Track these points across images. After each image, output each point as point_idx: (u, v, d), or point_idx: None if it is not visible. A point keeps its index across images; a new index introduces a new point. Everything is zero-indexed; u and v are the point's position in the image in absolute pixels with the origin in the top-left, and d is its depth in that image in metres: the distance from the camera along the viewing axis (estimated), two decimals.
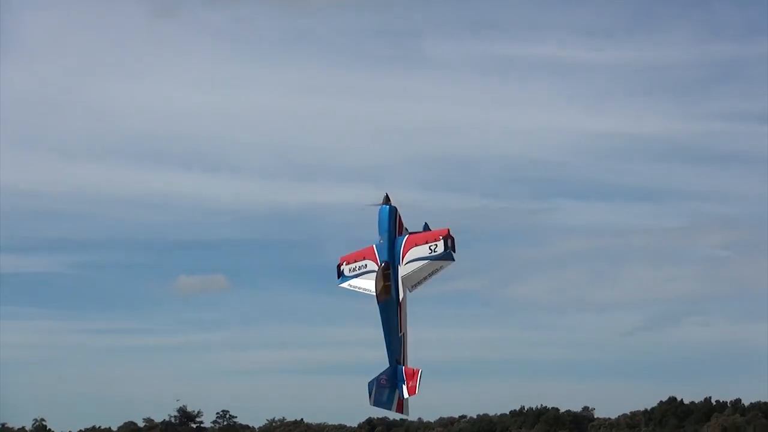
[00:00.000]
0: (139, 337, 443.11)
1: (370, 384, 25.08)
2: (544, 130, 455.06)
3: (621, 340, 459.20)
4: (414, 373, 24.18)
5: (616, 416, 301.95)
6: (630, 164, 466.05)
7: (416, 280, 27.18)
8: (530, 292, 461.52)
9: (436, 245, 25.71)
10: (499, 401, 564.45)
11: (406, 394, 24.13)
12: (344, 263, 25.50)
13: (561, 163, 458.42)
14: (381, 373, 24.06)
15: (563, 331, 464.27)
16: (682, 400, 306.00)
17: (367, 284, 26.40)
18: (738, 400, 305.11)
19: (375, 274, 25.84)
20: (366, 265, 25.72)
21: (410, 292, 30.80)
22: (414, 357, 49.87)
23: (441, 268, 27.02)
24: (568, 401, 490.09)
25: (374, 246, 25.67)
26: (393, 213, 27.54)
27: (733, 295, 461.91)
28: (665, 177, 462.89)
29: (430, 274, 26.91)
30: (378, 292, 25.19)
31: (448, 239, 25.64)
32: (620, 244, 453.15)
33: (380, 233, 26.56)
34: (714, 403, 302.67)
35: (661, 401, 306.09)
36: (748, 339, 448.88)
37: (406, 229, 31.73)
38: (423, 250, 25.58)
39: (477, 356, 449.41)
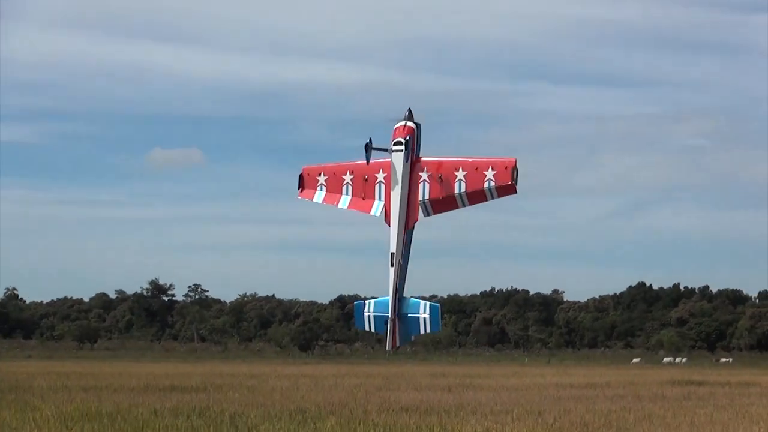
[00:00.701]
0: (112, 209, 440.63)
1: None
2: (525, 15, 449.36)
3: (593, 225, 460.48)
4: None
5: (585, 300, 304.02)
6: (609, 50, 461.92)
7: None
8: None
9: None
10: (469, 282, 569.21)
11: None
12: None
13: (541, 47, 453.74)
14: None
15: (536, 215, 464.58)
16: (651, 285, 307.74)
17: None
18: (706, 287, 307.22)
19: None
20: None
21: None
22: None
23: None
24: (538, 284, 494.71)
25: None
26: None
27: (707, 184, 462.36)
28: (644, 64, 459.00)
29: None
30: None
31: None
32: (597, 130, 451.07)
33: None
34: (683, 290, 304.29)
35: (630, 286, 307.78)
36: (719, 228, 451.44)
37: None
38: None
39: (449, 237, 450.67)
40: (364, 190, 25.01)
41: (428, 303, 24.99)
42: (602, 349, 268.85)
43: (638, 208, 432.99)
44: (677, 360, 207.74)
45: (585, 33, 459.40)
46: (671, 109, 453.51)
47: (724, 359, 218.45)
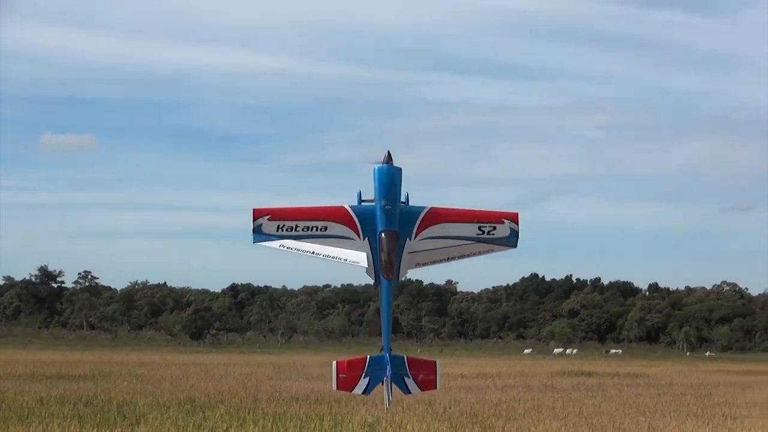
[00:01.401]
0: (1, 194, 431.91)
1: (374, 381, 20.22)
2: (429, 4, 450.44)
3: None
4: (427, 365, 19.88)
5: (479, 291, 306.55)
6: (511, 41, 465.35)
7: (429, 260, 21.34)
8: (403, 166, 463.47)
9: (495, 228, 19.77)
10: (362, 272, 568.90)
11: (414, 389, 19.64)
12: (266, 218, 18.02)
13: (444, 37, 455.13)
14: (379, 364, 19.25)
15: (432, 205, 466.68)
16: (543, 277, 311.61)
17: (333, 252, 19.64)
18: (598, 279, 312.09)
19: (347, 242, 19.51)
20: (326, 227, 18.99)
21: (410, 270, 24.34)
22: None
23: (489, 251, 21.31)
24: (432, 274, 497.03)
25: (348, 207, 19.20)
26: (400, 176, 21.02)
27: (601, 177, 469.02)
28: (544, 55, 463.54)
29: (466, 256, 20.87)
30: (384, 269, 19.74)
31: (515, 222, 19.96)
32: (495, 121, 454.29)
33: (386, 197, 20.05)
34: (575, 281, 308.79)
35: (523, 278, 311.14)
36: (611, 221, 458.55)
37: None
38: (468, 229, 19.64)
39: None
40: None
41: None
42: (494, 339, 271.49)
43: (533, 200, 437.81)
44: (568, 351, 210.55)
45: (488, 23, 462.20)
46: (569, 101, 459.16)
47: (614, 351, 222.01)
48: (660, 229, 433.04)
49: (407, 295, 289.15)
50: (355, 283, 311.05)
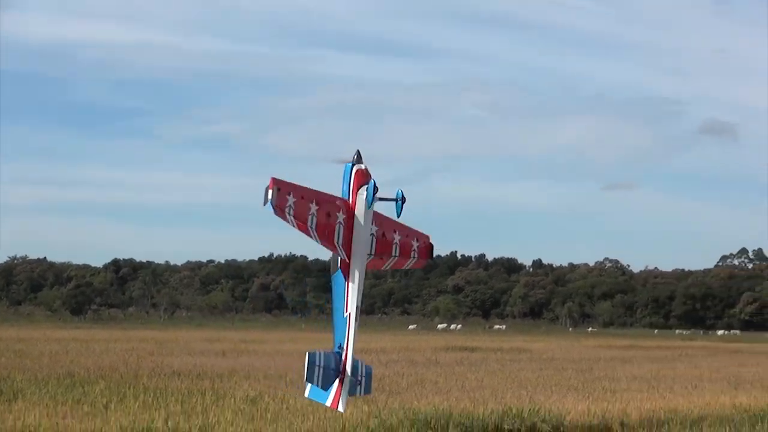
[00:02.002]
0: None
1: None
2: None
3: None
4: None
5: None
6: (396, 19, 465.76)
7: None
8: (288, 143, 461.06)
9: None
10: (247, 247, 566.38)
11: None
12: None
13: (330, 14, 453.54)
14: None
15: (317, 181, 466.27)
16: None
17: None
18: (482, 255, 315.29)
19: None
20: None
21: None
22: None
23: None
24: (317, 250, 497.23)
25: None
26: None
27: (486, 154, 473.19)
28: (430, 34, 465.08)
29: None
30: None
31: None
32: (381, 99, 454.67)
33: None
34: (459, 258, 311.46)
35: None
36: (495, 198, 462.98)
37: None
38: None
39: (228, 202, 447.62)
40: (327, 227, 22.34)
41: (364, 364, 22.99)
42: (379, 315, 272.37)
43: (418, 177, 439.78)
44: (452, 327, 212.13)
45: (374, 2, 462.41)
46: (454, 79, 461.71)
47: (497, 326, 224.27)
48: (543, 206, 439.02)
49: (291, 271, 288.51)
50: (239, 259, 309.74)
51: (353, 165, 22.88)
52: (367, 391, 23.05)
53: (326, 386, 18.99)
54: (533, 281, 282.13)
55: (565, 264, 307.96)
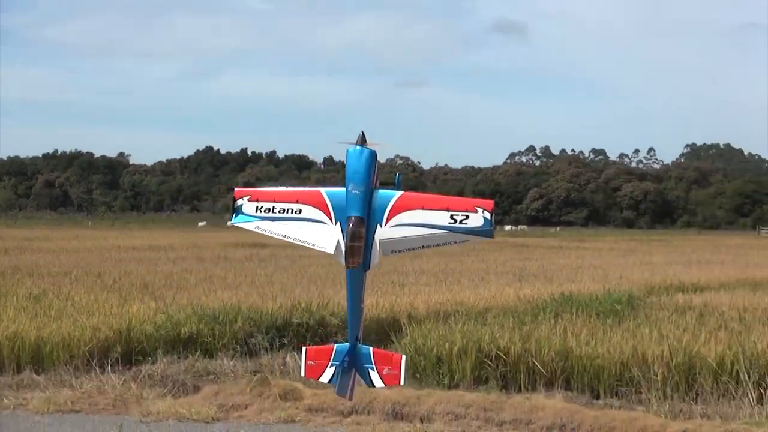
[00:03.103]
0: None
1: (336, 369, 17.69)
2: None
3: (161, 88, 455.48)
4: (392, 359, 17.48)
5: (152, 163, 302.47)
6: None
7: (404, 248, 18.98)
8: (69, 36, 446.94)
9: (467, 216, 17.17)
10: (31, 144, 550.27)
11: (378, 383, 17.37)
12: (246, 198, 15.58)
13: None
14: (343, 354, 16.90)
15: (101, 76, 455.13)
16: (218, 150, 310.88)
17: (303, 236, 17.07)
18: (273, 152, 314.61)
19: (319, 226, 17.04)
20: (300, 210, 16.57)
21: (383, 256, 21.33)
22: None
23: (464, 241, 18.65)
24: (103, 147, 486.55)
25: (323, 191, 16.65)
26: (373, 159, 18.42)
27: (274, 49, 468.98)
28: None
29: (441, 244, 18.31)
30: (346, 255, 17.38)
31: (490, 212, 17.31)
32: None
33: (353, 181, 17.60)
34: (250, 154, 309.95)
35: (197, 150, 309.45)
36: (286, 93, 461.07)
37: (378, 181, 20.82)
38: (439, 218, 17.21)
39: (13, 96, 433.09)
40: None
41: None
42: (168, 212, 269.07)
43: (206, 72, 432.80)
44: None
45: None
46: None
47: None
48: (334, 102, 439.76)
49: (77, 168, 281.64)
50: (23, 155, 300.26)
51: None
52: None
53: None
54: (324, 178, 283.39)
55: None
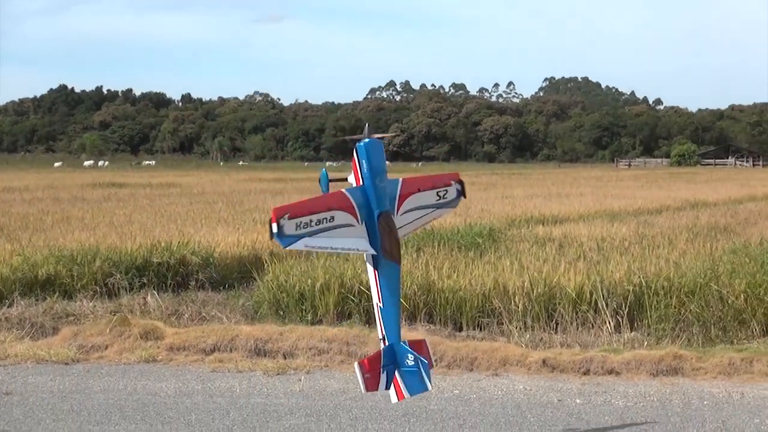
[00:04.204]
0: None
1: (389, 372, 16.18)
2: None
3: (9, 23, 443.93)
4: (422, 346, 16.18)
5: (4, 103, 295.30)
6: None
7: (407, 233, 17.65)
8: None
9: (446, 191, 16.34)
10: None
11: (427, 382, 16.05)
12: (285, 216, 14.08)
13: None
14: (391, 355, 15.48)
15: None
16: (73, 88, 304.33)
17: (344, 243, 15.50)
18: (129, 90, 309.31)
19: (351, 229, 15.48)
20: (333, 217, 14.98)
21: None
22: None
23: (440, 216, 17.68)
24: None
25: (346, 191, 15.20)
26: (382, 149, 17.14)
27: None
28: None
29: (427, 222, 17.53)
30: (392, 251, 15.88)
31: (460, 183, 16.65)
32: None
33: (379, 174, 16.14)
34: (105, 93, 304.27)
35: (51, 89, 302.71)
36: (140, 30, 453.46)
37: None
38: (429, 197, 16.13)
39: None
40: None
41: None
42: (23, 153, 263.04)
43: (59, 8, 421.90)
44: (100, 163, 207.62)
45: None
46: None
47: (146, 162, 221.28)
48: (191, 38, 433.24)
49: None
50: None
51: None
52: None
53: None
54: (183, 116, 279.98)
55: (215, 98, 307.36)
